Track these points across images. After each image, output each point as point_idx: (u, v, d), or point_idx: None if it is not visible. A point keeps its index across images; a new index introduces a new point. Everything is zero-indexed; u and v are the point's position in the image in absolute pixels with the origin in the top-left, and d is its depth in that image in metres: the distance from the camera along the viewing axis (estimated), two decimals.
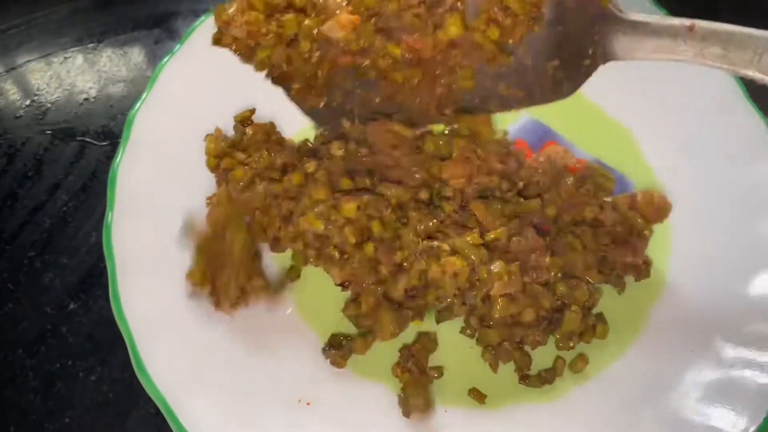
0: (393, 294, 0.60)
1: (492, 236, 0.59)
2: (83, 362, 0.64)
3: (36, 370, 0.64)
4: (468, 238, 0.58)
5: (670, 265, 0.67)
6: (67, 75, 0.79)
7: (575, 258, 0.61)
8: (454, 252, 0.57)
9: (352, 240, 0.58)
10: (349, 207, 0.58)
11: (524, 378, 0.61)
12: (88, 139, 0.75)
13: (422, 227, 0.60)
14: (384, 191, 0.61)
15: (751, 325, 0.61)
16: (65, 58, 0.80)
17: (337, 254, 0.59)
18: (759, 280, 0.63)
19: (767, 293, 0.62)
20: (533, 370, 0.62)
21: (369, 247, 0.59)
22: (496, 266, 0.57)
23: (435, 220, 0.60)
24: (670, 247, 0.68)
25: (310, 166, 0.61)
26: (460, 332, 0.63)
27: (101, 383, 0.63)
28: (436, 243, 0.58)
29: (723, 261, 0.65)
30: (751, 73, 0.48)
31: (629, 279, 0.66)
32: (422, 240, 0.59)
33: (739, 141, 0.70)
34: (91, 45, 0.82)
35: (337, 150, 0.63)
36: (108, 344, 0.64)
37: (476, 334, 0.63)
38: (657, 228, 0.68)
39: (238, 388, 0.58)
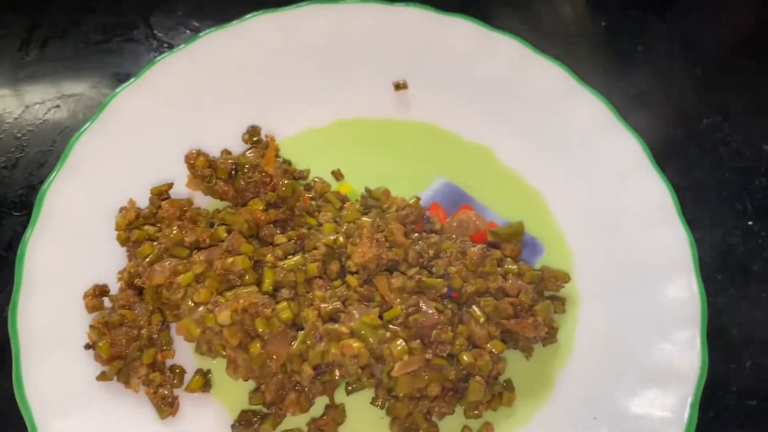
0: (300, 380, 0.60)
1: (389, 314, 0.60)
2: None
3: None
4: (366, 319, 0.59)
5: (577, 331, 0.69)
6: None
7: (478, 330, 0.62)
8: (353, 334, 0.58)
9: (233, 342, 0.58)
10: (224, 315, 0.57)
11: None
12: (4, 209, 0.74)
13: (326, 307, 0.60)
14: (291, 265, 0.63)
15: (646, 390, 0.63)
16: None
17: (224, 352, 0.60)
18: (654, 345, 0.65)
19: (659, 358, 0.64)
20: None
21: (255, 347, 0.58)
22: (397, 345, 0.58)
23: (338, 300, 0.61)
24: (578, 313, 0.70)
25: (199, 267, 0.61)
26: (371, 403, 0.64)
27: None
28: (335, 325, 0.58)
29: (626, 327, 0.67)
30: None
31: (537, 344, 0.68)
32: (323, 322, 0.59)
33: (645, 208, 0.72)
34: (10, 111, 0.81)
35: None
36: (17, 425, 0.63)
37: (385, 405, 0.64)
38: (565, 291, 0.70)
39: None
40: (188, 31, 0.87)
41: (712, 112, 0.88)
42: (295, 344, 0.58)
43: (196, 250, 0.64)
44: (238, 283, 0.61)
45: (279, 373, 0.61)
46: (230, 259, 0.61)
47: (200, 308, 0.59)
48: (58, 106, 0.81)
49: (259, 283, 0.63)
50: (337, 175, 0.76)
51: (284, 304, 0.59)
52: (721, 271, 0.76)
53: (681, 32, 0.94)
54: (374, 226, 0.64)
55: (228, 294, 0.59)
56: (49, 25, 0.87)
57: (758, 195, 0.81)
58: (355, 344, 0.57)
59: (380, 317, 0.60)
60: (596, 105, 0.77)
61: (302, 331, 0.60)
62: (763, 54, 0.93)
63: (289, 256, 0.64)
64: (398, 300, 0.62)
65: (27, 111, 0.81)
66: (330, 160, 0.77)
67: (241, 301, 0.57)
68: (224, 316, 0.57)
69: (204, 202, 0.71)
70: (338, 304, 0.61)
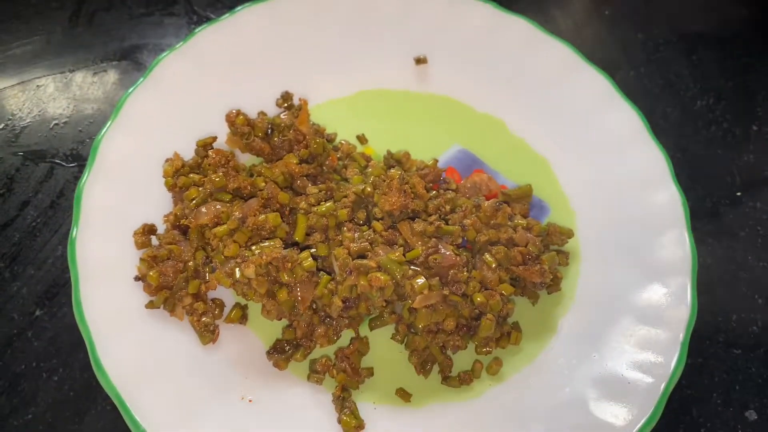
0: (330, 312, 0.67)
1: (411, 254, 0.67)
2: (47, 364, 0.70)
3: (2, 371, 0.69)
4: (392, 256, 0.65)
5: (579, 282, 0.76)
6: (40, 101, 0.86)
7: (489, 274, 0.69)
8: (379, 268, 0.65)
9: (261, 291, 0.64)
10: (249, 270, 0.63)
11: (446, 379, 0.69)
12: (57, 161, 0.81)
13: (354, 246, 0.67)
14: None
15: (641, 331, 0.70)
16: (38, 86, 0.87)
17: (256, 298, 0.66)
18: (649, 292, 0.72)
19: (654, 303, 0.71)
20: (454, 372, 0.70)
21: (282, 294, 0.65)
22: (419, 281, 0.65)
23: (365, 242, 0.68)
24: (580, 266, 0.76)
25: (233, 222, 0.66)
26: (391, 338, 0.71)
27: (63, 383, 0.69)
28: (364, 261, 0.65)
29: (623, 278, 0.74)
30: None
31: (543, 292, 0.74)
32: (353, 258, 0.66)
33: (642, 171, 0.79)
34: (62, 74, 0.88)
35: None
36: (70, 348, 0.70)
37: (404, 340, 0.70)
38: (568, 246, 0.77)
39: (187, 385, 0.64)
40: (225, 8, 0.95)
41: (705, 94, 0.95)
42: (318, 289, 0.65)
43: (237, 198, 0.71)
44: (268, 237, 0.67)
45: (308, 311, 0.68)
46: (262, 217, 0.67)
47: (231, 262, 0.65)
48: (104, 71, 0.88)
49: (291, 232, 0.69)
50: (362, 139, 0.83)
51: (306, 253, 0.65)
52: (712, 236, 0.83)
53: (679, 22, 1.02)
54: (401, 178, 0.71)
55: (254, 248, 0.65)
56: None
57: (746, 169, 0.89)
58: (382, 277, 0.64)
59: (403, 257, 0.67)
60: (599, 80, 0.84)
61: (325, 276, 0.66)
62: (754, 44, 1.00)
63: (321, 203, 0.71)
64: (419, 243, 0.69)
65: (76, 75, 0.88)
66: (354, 126, 0.84)
67: (264, 256, 0.63)
68: (250, 271, 0.63)
69: (241, 159, 0.78)
70: (366, 245, 0.68)
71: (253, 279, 0.64)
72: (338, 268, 0.66)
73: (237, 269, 0.64)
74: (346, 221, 0.70)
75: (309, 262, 0.65)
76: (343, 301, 0.66)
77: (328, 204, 0.70)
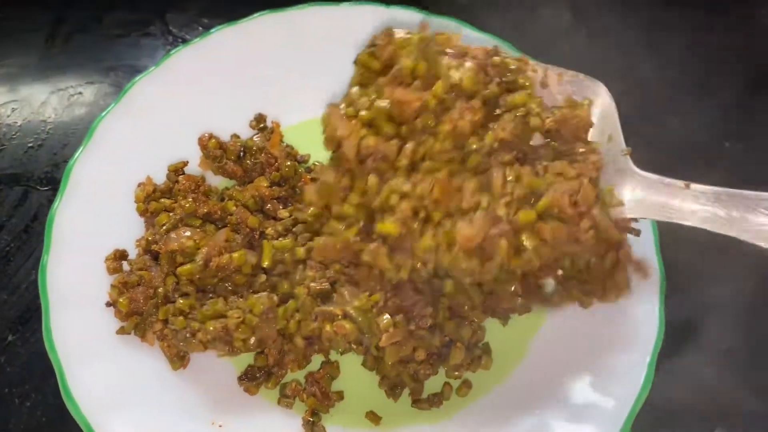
0: (295, 342, 0.67)
1: (374, 297, 0.65)
2: (19, 389, 0.70)
3: None
4: (357, 303, 0.65)
5: None
6: (14, 124, 0.86)
7: (462, 300, 0.69)
8: (345, 316, 0.65)
9: (222, 352, 0.65)
10: (199, 348, 0.64)
11: (416, 402, 0.70)
12: (31, 185, 0.82)
13: (315, 286, 0.67)
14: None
15: (609, 351, 0.70)
16: (13, 109, 0.87)
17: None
18: (616, 312, 0.72)
19: (622, 323, 0.72)
20: (424, 394, 0.70)
21: (240, 344, 0.65)
22: (383, 320, 0.64)
23: (326, 281, 0.67)
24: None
25: (196, 267, 0.66)
26: (362, 365, 0.71)
27: (35, 409, 0.69)
28: (330, 308, 0.65)
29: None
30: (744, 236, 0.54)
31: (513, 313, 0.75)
32: (312, 299, 0.66)
33: None
34: (38, 96, 0.89)
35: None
36: (42, 373, 0.71)
37: (375, 368, 0.71)
38: None
39: (158, 411, 0.65)
40: (201, 28, 0.95)
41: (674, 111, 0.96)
42: (278, 322, 0.66)
43: (207, 223, 0.71)
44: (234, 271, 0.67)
45: (278, 339, 0.68)
46: (225, 257, 0.66)
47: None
48: (80, 93, 0.89)
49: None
50: None
51: (252, 300, 0.65)
52: (681, 253, 0.83)
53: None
54: None
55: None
56: (73, 20, 0.95)
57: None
58: (348, 326, 0.63)
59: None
60: None
61: (282, 308, 0.66)
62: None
63: (290, 234, 0.71)
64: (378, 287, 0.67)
65: (52, 97, 0.89)
66: None
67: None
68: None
69: (214, 181, 0.79)
70: (326, 285, 0.67)
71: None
72: (299, 308, 0.66)
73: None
74: (305, 259, 0.70)
75: (259, 308, 0.64)
76: (305, 338, 0.67)
77: (286, 240, 0.70)
